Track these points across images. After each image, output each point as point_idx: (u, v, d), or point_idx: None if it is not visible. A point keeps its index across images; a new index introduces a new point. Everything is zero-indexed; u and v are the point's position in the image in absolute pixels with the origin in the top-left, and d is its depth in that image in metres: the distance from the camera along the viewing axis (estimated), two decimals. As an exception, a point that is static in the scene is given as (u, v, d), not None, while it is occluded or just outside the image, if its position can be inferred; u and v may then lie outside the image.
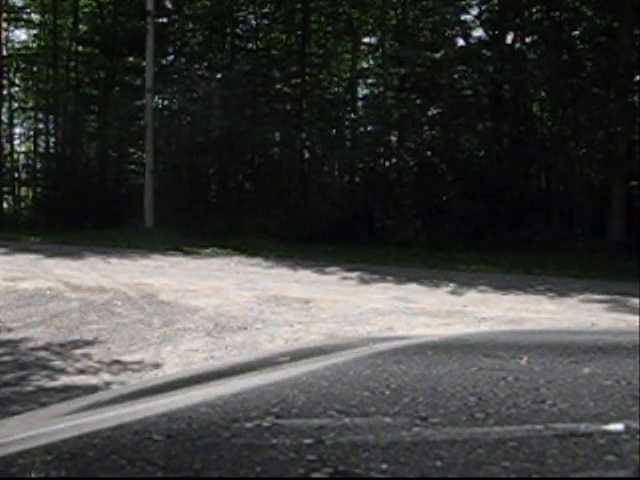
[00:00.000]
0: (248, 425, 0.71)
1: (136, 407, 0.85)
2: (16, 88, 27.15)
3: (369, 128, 21.15)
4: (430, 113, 20.06)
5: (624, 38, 16.86)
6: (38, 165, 26.69)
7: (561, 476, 0.59)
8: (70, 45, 24.68)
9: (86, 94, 24.56)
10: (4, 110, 25.02)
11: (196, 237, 16.55)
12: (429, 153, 20.44)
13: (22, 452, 0.68)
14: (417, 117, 19.29)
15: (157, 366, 5.14)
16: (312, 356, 1.11)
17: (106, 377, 4.82)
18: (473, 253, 15.04)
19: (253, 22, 23.12)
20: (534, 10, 19.62)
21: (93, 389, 4.37)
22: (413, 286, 10.28)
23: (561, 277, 11.87)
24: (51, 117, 25.46)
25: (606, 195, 17.11)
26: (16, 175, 26.16)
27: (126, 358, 5.35)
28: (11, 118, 26.19)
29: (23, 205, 26.55)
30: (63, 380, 4.72)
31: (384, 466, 0.61)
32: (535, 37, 19.78)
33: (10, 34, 26.37)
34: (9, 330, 6.32)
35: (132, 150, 24.55)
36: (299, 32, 22.13)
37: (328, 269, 12.40)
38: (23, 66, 26.44)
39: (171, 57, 23.85)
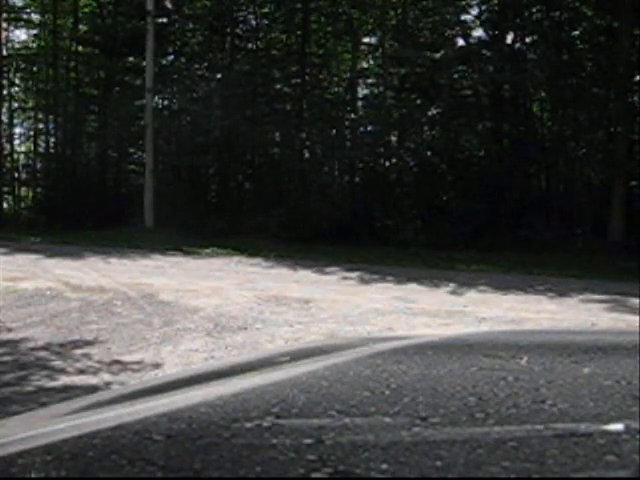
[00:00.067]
0: (248, 425, 0.71)
1: (136, 407, 0.85)
2: (16, 88, 27.17)
3: (369, 128, 21.16)
4: (430, 113, 20.06)
5: (624, 38, 16.86)
6: (38, 165, 26.69)
7: (561, 476, 0.59)
8: (70, 45, 24.68)
9: (86, 94, 24.56)
10: (4, 110, 25.04)
11: (196, 237, 16.55)
12: (429, 153, 20.44)
13: (22, 452, 0.68)
14: (417, 117, 19.29)
15: (157, 366, 5.14)
16: (312, 356, 1.11)
17: (106, 377, 4.82)
18: (473, 253, 15.04)
19: (253, 22, 23.12)
20: (534, 10, 19.62)
21: (93, 389, 4.37)
22: (413, 286, 10.28)
23: (561, 277, 11.87)
24: (51, 117, 25.46)
25: (606, 195, 17.11)
26: (16, 175, 26.16)
27: (126, 358, 5.35)
28: (11, 118, 26.19)
29: (23, 205, 26.55)
30: (63, 380, 4.72)
31: (384, 466, 0.61)
32: (535, 37, 19.78)
33: (10, 34, 26.40)
34: (9, 330, 6.32)
35: (132, 150, 24.55)
36: (299, 32, 22.13)
37: (328, 269, 12.40)
38: (23, 66, 26.44)
39: (171, 57, 23.86)
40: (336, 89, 23.93)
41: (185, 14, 22.66)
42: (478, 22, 20.15)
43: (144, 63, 20.97)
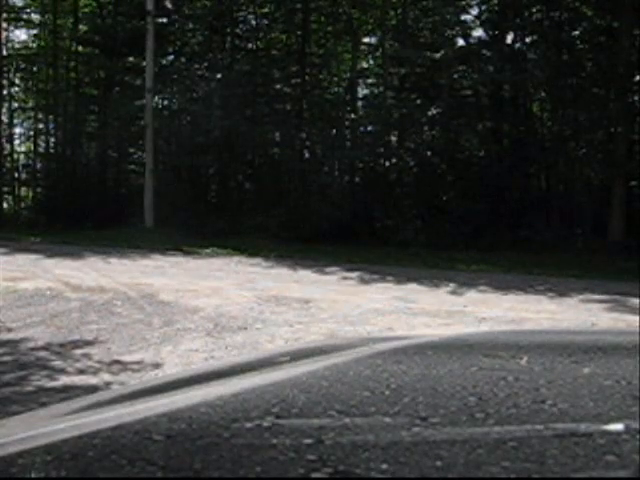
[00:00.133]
0: (248, 425, 0.71)
1: (136, 407, 0.85)
2: (16, 88, 27.17)
3: (369, 128, 21.17)
4: (430, 113, 20.06)
5: (624, 38, 16.86)
6: (38, 165, 26.69)
7: (561, 476, 0.59)
8: (70, 45, 24.68)
9: (86, 94, 24.56)
10: (4, 110, 25.04)
11: (196, 237, 16.55)
12: (429, 153, 20.44)
13: (22, 452, 0.68)
14: (417, 117, 19.29)
15: (157, 366, 5.14)
16: (312, 356, 1.11)
17: (106, 377, 4.82)
18: (473, 253, 15.04)
19: (253, 22, 23.12)
20: (534, 10, 19.62)
21: (93, 389, 4.37)
22: (413, 286, 10.28)
23: (561, 277, 11.87)
24: (51, 117, 25.46)
25: (606, 195, 17.11)
26: (16, 175, 26.17)
27: (126, 358, 5.36)
28: (11, 118, 26.19)
29: (23, 205, 26.55)
30: (63, 380, 4.72)
31: (384, 466, 0.61)
32: (535, 37, 19.77)
33: (10, 34, 26.41)
34: (9, 330, 6.32)
35: (132, 150, 24.55)
36: (299, 32, 22.13)
37: (328, 269, 12.40)
38: (23, 66, 26.44)
39: (171, 57, 23.86)
40: (336, 89, 23.92)
41: (185, 14, 22.66)
42: (478, 22, 20.15)
43: (144, 63, 20.97)
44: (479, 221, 16.87)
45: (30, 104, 27.22)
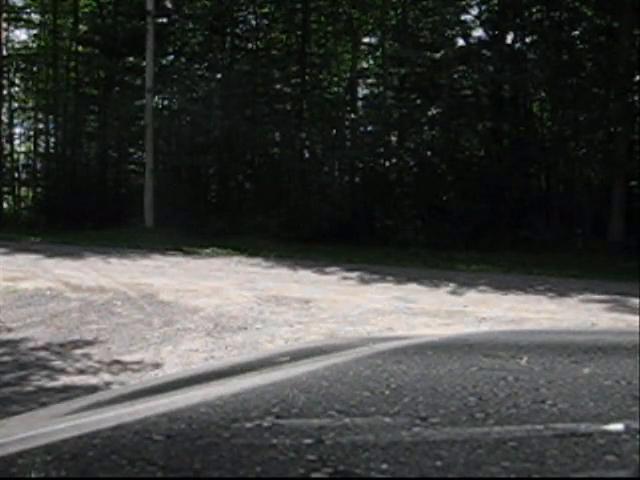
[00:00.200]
0: (248, 425, 0.71)
1: (136, 407, 0.85)
2: (16, 88, 27.17)
3: (369, 128, 21.17)
4: (430, 113, 20.06)
5: (624, 38, 16.86)
6: (38, 165, 26.69)
7: (561, 476, 0.59)
8: (70, 45, 24.68)
9: (86, 94, 24.56)
10: (4, 110, 25.04)
11: (196, 237, 16.55)
12: (429, 153, 20.43)
13: (22, 452, 0.68)
14: (417, 117, 19.30)
15: (157, 366, 5.14)
16: (312, 356, 1.11)
17: (106, 377, 4.82)
18: (473, 253, 15.04)
19: (253, 22, 23.12)
20: (534, 10, 19.62)
21: (93, 389, 4.37)
22: (413, 286, 10.28)
23: (561, 277, 11.87)
24: (51, 117, 25.46)
25: (606, 195, 17.11)
26: (16, 175, 26.17)
27: (126, 358, 5.36)
28: (11, 118, 26.19)
29: (23, 205, 26.55)
30: (63, 380, 4.72)
31: (384, 466, 0.61)
32: (535, 37, 19.77)
33: (10, 34, 26.41)
34: (9, 330, 6.32)
35: (132, 150, 24.55)
36: (299, 32, 22.13)
37: (328, 269, 12.40)
38: (23, 66, 26.44)
39: (171, 57, 23.85)
40: (336, 89, 23.92)
41: (185, 14, 22.66)
42: (478, 22, 20.15)
43: (144, 63, 20.97)
44: (479, 221, 16.87)
45: (30, 104, 27.22)
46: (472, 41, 19.96)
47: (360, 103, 22.47)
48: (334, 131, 22.13)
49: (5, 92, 25.13)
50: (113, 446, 0.68)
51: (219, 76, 21.42)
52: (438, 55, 18.79)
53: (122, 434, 0.72)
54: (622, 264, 13.36)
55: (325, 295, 8.85)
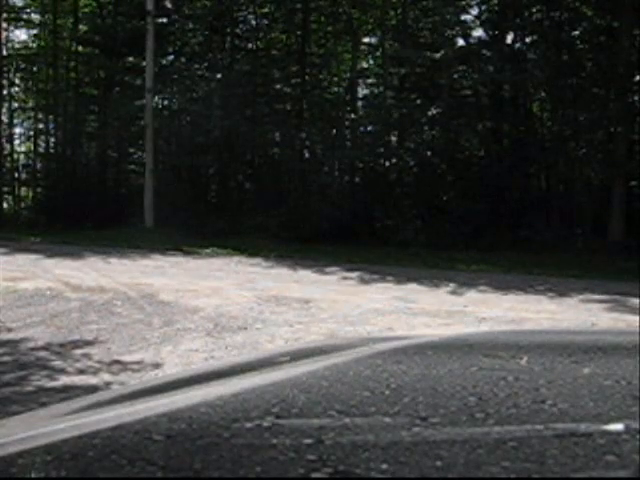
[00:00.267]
0: (248, 425, 0.71)
1: (136, 407, 0.85)
2: (16, 88, 27.17)
3: (369, 128, 21.17)
4: (430, 113, 20.06)
5: (624, 38, 16.86)
6: (38, 165, 26.70)
7: (561, 476, 0.59)
8: (70, 45, 24.68)
9: (86, 94, 24.57)
10: (4, 110, 25.05)
11: (196, 237, 16.55)
12: (429, 153, 20.43)
13: (22, 452, 0.68)
14: (417, 117, 19.30)
15: (157, 366, 5.14)
16: (312, 356, 1.11)
17: (106, 377, 4.82)
18: (473, 253, 15.04)
19: (253, 22, 23.12)
20: (534, 10, 19.62)
21: (93, 389, 4.37)
22: (413, 286, 10.28)
23: (561, 277, 11.87)
24: (51, 117, 25.47)
25: (606, 195, 17.11)
26: (16, 175, 26.18)
27: (126, 358, 5.35)
28: (11, 118, 26.19)
29: (23, 205, 26.56)
30: (63, 380, 4.72)
31: (384, 466, 0.61)
32: (535, 37, 19.77)
33: (10, 34, 26.41)
34: (9, 330, 6.32)
35: (132, 150, 24.55)
36: (299, 32, 22.13)
37: (328, 269, 12.40)
38: (23, 66, 26.44)
39: (171, 57, 23.86)
40: (336, 89, 23.93)
41: (185, 14, 22.66)
42: (478, 22, 20.15)
43: (144, 63, 20.97)
44: (479, 221, 16.87)
45: (30, 104, 27.22)
46: (472, 41, 19.97)
47: (360, 103, 22.47)
48: (334, 131, 22.13)
49: (5, 92, 25.13)
50: (113, 446, 0.68)
51: (219, 76, 21.42)
52: (438, 55, 18.80)
53: (122, 434, 0.72)
54: (622, 264, 13.36)
55: (325, 295, 8.85)
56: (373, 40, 23.81)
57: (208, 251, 15.03)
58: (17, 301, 7.81)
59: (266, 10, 22.57)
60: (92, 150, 25.14)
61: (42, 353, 5.48)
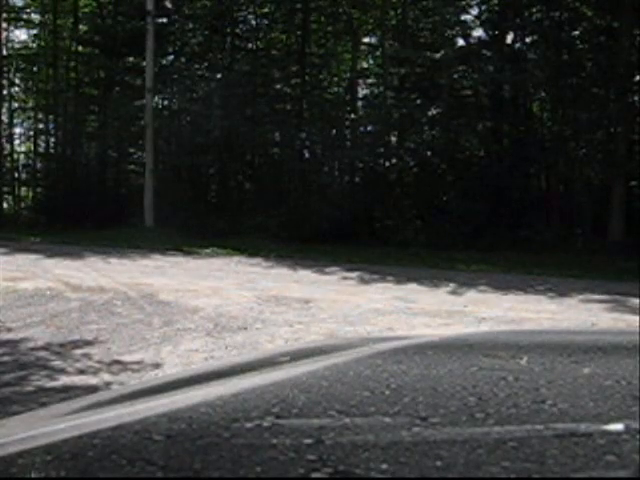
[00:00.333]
0: (248, 425, 0.71)
1: (136, 407, 0.85)
2: (16, 88, 27.19)
3: (369, 128, 21.17)
4: (430, 113, 20.06)
5: (624, 38, 16.87)
6: (38, 165, 26.70)
7: (561, 476, 0.59)
8: (70, 45, 24.68)
9: (86, 94, 24.57)
10: (4, 110, 25.06)
11: (196, 237, 16.55)
12: (429, 153, 20.44)
13: (22, 452, 0.68)
14: (417, 117, 19.29)
15: (157, 366, 5.14)
16: (312, 356, 1.11)
17: (106, 377, 4.82)
18: (473, 253, 15.04)
19: (253, 22, 23.12)
20: (534, 10, 19.62)
21: (93, 389, 4.37)
22: (413, 286, 10.28)
23: (561, 277, 11.87)
24: (51, 117, 25.48)
25: (606, 195, 17.11)
26: (16, 175, 26.18)
27: (126, 358, 5.35)
28: (11, 118, 26.20)
29: (23, 205, 26.56)
30: (63, 380, 4.72)
31: (384, 466, 0.61)
32: (535, 37, 19.77)
33: (10, 34, 26.43)
34: (9, 330, 6.32)
35: (132, 150, 24.55)
36: (299, 32, 22.14)
37: (328, 269, 12.40)
38: (23, 66, 26.45)
39: (171, 57, 23.85)
40: (336, 89, 23.93)
41: (185, 14, 22.66)
42: (478, 22, 20.15)
43: (144, 63, 20.98)
44: (479, 221, 16.87)
45: (30, 104, 27.24)
46: (472, 41, 19.97)
47: (360, 103, 22.47)
48: (334, 131, 22.13)
49: (5, 92, 25.14)
50: (113, 446, 0.68)
51: (219, 76, 21.43)
52: (438, 55, 18.80)
53: (122, 434, 0.72)
54: (622, 264, 13.36)
55: (325, 295, 8.85)
56: (373, 40, 23.82)
57: (208, 251, 15.03)
58: (17, 301, 7.81)
59: (266, 10, 22.57)
60: (92, 150, 25.14)
61: (42, 353, 5.47)
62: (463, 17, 19.68)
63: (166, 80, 22.03)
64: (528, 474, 0.59)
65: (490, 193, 17.74)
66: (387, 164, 20.59)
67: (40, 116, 26.39)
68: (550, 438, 0.67)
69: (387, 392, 0.83)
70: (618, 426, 0.68)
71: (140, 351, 5.62)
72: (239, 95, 19.16)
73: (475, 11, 20.39)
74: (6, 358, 5.32)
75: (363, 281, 10.90)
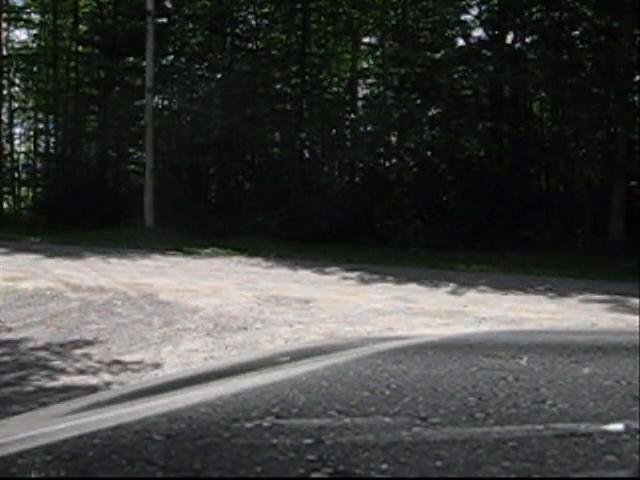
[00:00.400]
0: (248, 425, 0.71)
1: (136, 407, 0.85)
2: (16, 88, 27.18)
3: (369, 128, 21.17)
4: (430, 113, 20.06)
5: (624, 38, 16.87)
6: (38, 165, 26.70)
7: (561, 476, 0.59)
8: (70, 45, 24.68)
9: (86, 94, 24.57)
10: (4, 110, 25.05)
11: (196, 237, 16.55)
12: (429, 153, 20.44)
13: (22, 452, 0.68)
14: (417, 117, 19.29)
15: (157, 366, 5.14)
16: (312, 356, 1.11)
17: (106, 377, 4.82)
18: (473, 253, 15.05)
19: (253, 22, 23.13)
20: (534, 10, 19.62)
21: (93, 389, 4.37)
22: (413, 286, 10.28)
23: (561, 277, 11.87)
24: (51, 117, 25.48)
25: (606, 195, 17.11)
26: (16, 175, 26.18)
27: (126, 358, 5.35)
28: (11, 118, 26.20)
29: (23, 205, 26.55)
30: (63, 380, 4.72)
31: (384, 466, 0.61)
32: (535, 37, 19.77)
33: (10, 34, 26.42)
34: (9, 330, 6.32)
35: (132, 150, 24.56)
36: (299, 32, 22.14)
37: (328, 269, 12.40)
38: (23, 66, 26.45)
39: (171, 57, 23.85)
40: (336, 89, 23.93)
41: (185, 14, 22.67)
42: (478, 22, 20.15)
43: (144, 63, 20.98)
44: (479, 221, 16.87)
45: (30, 104, 27.24)
46: (472, 41, 19.98)
47: (360, 103, 22.47)
48: (334, 131, 22.13)
49: (5, 92, 25.13)
50: (113, 446, 0.68)
51: (219, 76, 21.43)
52: (438, 55, 18.81)
53: (122, 434, 0.72)
54: (622, 264, 13.36)
55: (325, 295, 8.85)
56: (373, 40, 23.83)
57: (208, 251, 15.03)
58: (17, 301, 7.81)
59: (266, 10, 22.57)
60: (92, 150, 25.13)
61: (42, 353, 5.47)
62: (463, 17, 19.72)
63: (166, 80, 22.03)
64: (528, 474, 0.59)
65: (490, 193, 17.74)
66: (387, 164, 20.59)
67: (40, 116, 26.40)
68: (550, 438, 0.67)
69: (387, 392, 0.83)
70: (618, 426, 0.68)
71: (140, 351, 5.62)
72: (239, 95, 19.16)
73: (475, 11, 20.42)
74: (6, 358, 5.32)
75: (363, 281, 10.90)
